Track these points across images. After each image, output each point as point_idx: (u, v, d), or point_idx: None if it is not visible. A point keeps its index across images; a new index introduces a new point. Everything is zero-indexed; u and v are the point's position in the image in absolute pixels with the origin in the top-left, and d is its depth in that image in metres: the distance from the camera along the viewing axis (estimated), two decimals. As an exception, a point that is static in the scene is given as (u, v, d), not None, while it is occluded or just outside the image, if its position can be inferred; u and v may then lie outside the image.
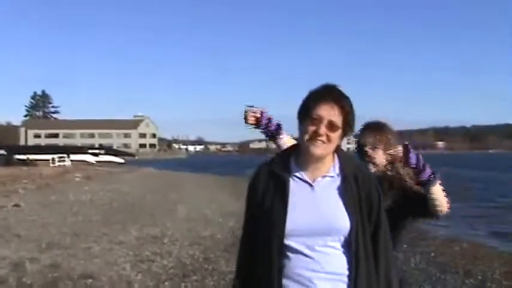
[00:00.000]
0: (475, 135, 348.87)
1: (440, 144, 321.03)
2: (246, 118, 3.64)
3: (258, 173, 2.99)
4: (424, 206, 3.58)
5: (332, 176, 2.89)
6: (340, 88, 2.89)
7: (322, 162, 2.89)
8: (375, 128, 3.79)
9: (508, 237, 15.97)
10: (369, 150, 3.74)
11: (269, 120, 3.67)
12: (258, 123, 3.68)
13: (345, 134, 2.89)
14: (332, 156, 2.94)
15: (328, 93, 2.85)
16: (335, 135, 2.82)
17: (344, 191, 2.85)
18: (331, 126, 2.79)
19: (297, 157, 2.94)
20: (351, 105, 2.87)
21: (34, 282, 8.77)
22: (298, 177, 2.89)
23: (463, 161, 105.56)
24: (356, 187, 2.87)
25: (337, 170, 2.90)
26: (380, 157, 3.73)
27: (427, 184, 3.49)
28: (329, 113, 2.79)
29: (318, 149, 2.80)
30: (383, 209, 2.94)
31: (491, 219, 20.52)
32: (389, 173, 3.73)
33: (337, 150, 2.96)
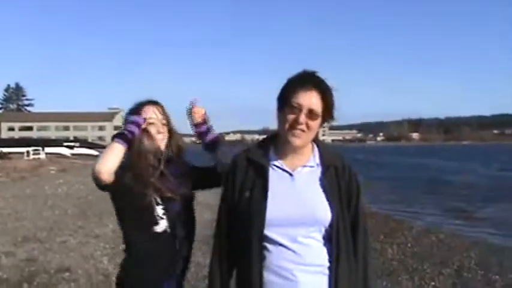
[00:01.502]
0: (449, 126, 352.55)
1: (415, 135, 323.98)
2: (191, 114, 3.67)
3: (236, 161, 2.95)
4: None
5: (312, 166, 2.87)
6: (320, 75, 2.84)
7: (301, 152, 2.87)
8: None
9: (484, 227, 16.12)
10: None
11: (205, 121, 3.74)
12: (201, 122, 3.72)
13: (324, 121, 2.85)
14: (311, 146, 2.92)
15: (308, 81, 2.80)
16: (315, 124, 2.79)
17: (325, 182, 2.83)
18: (311, 114, 2.76)
19: (276, 146, 2.91)
20: (330, 93, 2.82)
21: (10, 277, 8.66)
22: (277, 166, 2.86)
23: (440, 153, 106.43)
24: (336, 178, 2.86)
25: (317, 160, 2.88)
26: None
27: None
28: (309, 101, 2.75)
29: (298, 139, 2.77)
30: (361, 199, 2.93)
31: (468, 210, 20.68)
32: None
33: (316, 141, 2.94)
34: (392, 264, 9.92)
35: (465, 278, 9.16)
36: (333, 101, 2.83)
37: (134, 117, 3.48)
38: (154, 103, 3.61)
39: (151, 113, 3.54)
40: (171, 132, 3.64)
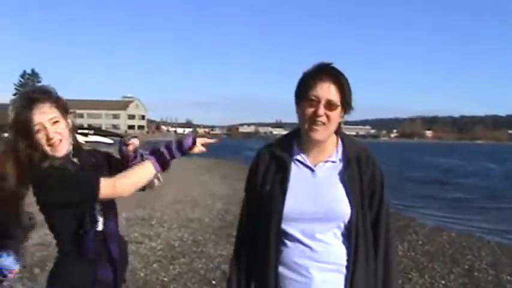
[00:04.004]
0: (463, 125, 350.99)
1: (428, 133, 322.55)
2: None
3: (260, 156, 2.95)
4: None
5: (334, 162, 2.84)
6: (335, 66, 2.82)
7: (324, 146, 2.84)
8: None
9: (496, 227, 16.04)
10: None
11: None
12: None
13: (344, 111, 2.82)
14: (336, 140, 2.89)
15: (323, 72, 2.78)
16: (334, 114, 2.76)
17: (346, 177, 2.79)
18: (330, 105, 2.73)
19: (299, 141, 2.89)
20: (347, 82, 2.80)
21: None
22: (300, 161, 2.85)
23: (453, 152, 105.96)
24: (359, 172, 2.82)
25: (339, 155, 2.85)
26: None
27: None
28: (326, 92, 2.73)
29: (319, 132, 2.75)
30: (385, 195, 2.88)
31: (481, 210, 20.60)
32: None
33: (341, 134, 2.92)
34: (403, 261, 9.88)
35: (476, 278, 9.12)
36: (350, 90, 2.81)
37: (185, 140, 3.12)
38: (37, 100, 3.00)
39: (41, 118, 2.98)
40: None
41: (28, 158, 3.00)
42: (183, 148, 3.10)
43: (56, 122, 3.02)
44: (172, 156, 3.09)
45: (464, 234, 14.07)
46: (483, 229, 15.56)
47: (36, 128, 2.96)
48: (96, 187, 2.91)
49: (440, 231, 13.98)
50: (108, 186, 2.93)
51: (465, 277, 9.14)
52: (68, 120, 3.14)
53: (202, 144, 3.17)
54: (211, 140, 3.21)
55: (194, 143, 3.12)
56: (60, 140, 3.02)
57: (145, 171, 3.04)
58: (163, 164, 3.08)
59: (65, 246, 3.14)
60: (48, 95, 3.06)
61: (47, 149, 3.00)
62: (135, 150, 3.36)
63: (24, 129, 2.97)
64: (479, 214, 18.97)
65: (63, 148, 3.05)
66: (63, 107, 3.10)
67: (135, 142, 3.39)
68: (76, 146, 3.19)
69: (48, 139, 2.98)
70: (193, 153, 3.17)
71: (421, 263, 9.97)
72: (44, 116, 2.98)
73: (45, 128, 2.97)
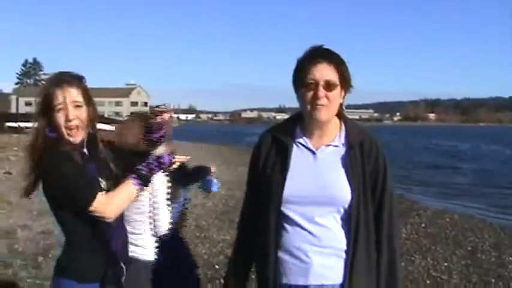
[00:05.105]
0: (466, 108, 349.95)
1: (432, 116, 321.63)
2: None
3: (262, 140, 2.94)
4: None
5: (337, 146, 2.82)
6: (327, 47, 2.82)
7: (327, 130, 2.83)
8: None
9: (498, 209, 16.02)
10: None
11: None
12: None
13: (345, 90, 2.81)
14: (339, 124, 2.87)
15: (317, 54, 2.78)
16: (334, 94, 2.75)
17: (348, 161, 2.77)
18: (328, 85, 2.73)
19: (302, 124, 2.87)
20: (342, 61, 2.79)
21: (25, 250, 8.75)
22: (302, 144, 2.84)
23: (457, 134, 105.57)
24: (361, 157, 2.79)
25: (342, 140, 2.83)
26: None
27: None
28: (323, 73, 2.73)
29: (322, 114, 2.74)
30: (389, 181, 2.84)
31: (483, 192, 20.58)
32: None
33: (344, 118, 2.90)
34: (406, 244, 9.91)
35: (479, 259, 9.15)
36: (346, 68, 2.79)
37: (163, 158, 3.21)
38: (66, 82, 3.04)
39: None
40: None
41: (44, 140, 3.04)
42: (161, 165, 3.20)
43: (78, 106, 3.05)
44: (152, 173, 3.17)
45: (467, 216, 14.08)
46: (485, 212, 15.55)
47: (58, 106, 3.00)
48: (89, 202, 2.96)
49: (443, 214, 13.98)
50: (100, 205, 2.98)
51: (468, 259, 9.17)
52: (90, 111, 3.15)
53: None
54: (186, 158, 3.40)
55: (171, 160, 3.23)
56: (77, 126, 3.04)
57: (129, 192, 3.10)
58: (144, 182, 3.14)
59: (74, 237, 3.10)
60: (78, 81, 3.11)
61: (64, 131, 3.02)
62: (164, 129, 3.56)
63: (47, 105, 3.03)
64: (482, 197, 18.93)
65: (79, 135, 3.08)
66: (89, 97, 3.14)
67: (166, 118, 3.48)
68: (91, 136, 3.20)
69: (67, 120, 3.00)
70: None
71: (424, 245, 10.01)
72: (68, 97, 3.02)
73: (66, 108, 3.00)
